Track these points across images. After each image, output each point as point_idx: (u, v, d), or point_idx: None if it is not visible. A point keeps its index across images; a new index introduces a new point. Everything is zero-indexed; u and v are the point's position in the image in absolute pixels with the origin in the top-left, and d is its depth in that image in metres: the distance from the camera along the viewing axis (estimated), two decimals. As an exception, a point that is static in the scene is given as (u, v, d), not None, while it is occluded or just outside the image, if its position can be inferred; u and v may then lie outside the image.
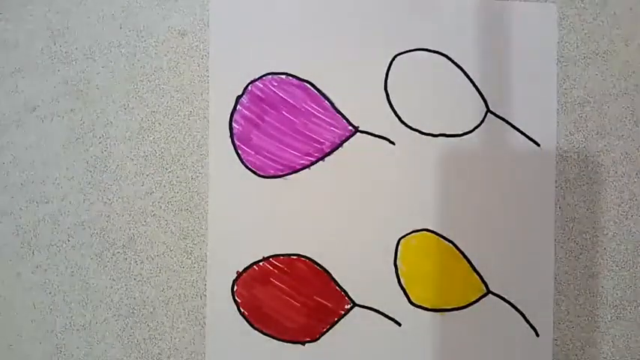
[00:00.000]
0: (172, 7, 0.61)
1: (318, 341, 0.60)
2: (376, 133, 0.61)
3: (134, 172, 0.61)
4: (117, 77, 0.61)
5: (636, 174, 0.62)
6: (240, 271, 0.60)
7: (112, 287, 0.61)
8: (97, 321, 0.61)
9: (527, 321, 0.61)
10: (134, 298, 0.61)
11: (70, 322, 0.61)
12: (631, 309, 0.62)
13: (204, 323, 0.60)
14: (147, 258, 0.61)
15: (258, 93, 0.60)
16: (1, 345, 0.61)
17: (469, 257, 0.61)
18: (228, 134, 0.60)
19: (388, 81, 0.61)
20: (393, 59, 0.61)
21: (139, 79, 0.61)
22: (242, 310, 0.60)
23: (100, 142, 0.61)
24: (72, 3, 0.61)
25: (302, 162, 0.60)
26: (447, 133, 0.61)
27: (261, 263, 0.60)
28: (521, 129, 0.61)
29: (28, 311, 0.61)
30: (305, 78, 0.61)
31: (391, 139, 0.61)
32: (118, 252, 0.61)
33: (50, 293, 0.61)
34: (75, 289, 0.61)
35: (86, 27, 0.61)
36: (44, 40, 0.61)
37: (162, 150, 0.61)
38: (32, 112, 0.61)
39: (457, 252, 0.61)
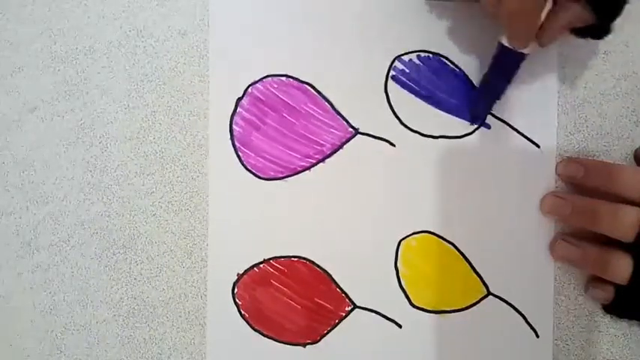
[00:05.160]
0: (172, 7, 0.61)
1: (319, 343, 0.61)
2: (376, 135, 0.61)
3: (134, 172, 0.61)
4: (117, 77, 0.61)
5: (636, 174, 0.62)
6: (241, 273, 0.60)
7: (112, 287, 0.61)
8: (97, 321, 0.61)
9: (528, 322, 0.61)
10: (134, 298, 0.61)
11: (70, 322, 0.61)
12: (631, 309, 0.62)
13: (205, 324, 0.60)
14: (147, 258, 0.61)
15: (259, 95, 0.60)
16: (1, 345, 0.61)
17: (469, 259, 0.61)
18: (229, 136, 0.60)
19: (388, 83, 0.61)
20: (394, 61, 0.61)
21: (139, 79, 0.61)
22: (243, 312, 0.60)
23: (100, 142, 0.61)
24: (72, 3, 0.61)
25: (302, 164, 0.60)
26: (448, 134, 0.61)
27: (261, 265, 0.60)
28: (521, 130, 0.61)
29: (28, 311, 0.61)
30: (305, 80, 0.61)
31: (391, 141, 0.61)
32: (118, 252, 0.61)
33: (50, 293, 0.61)
34: (75, 289, 0.61)
35: (86, 27, 0.61)
36: (44, 40, 0.61)
37: (163, 150, 0.61)
38: (32, 112, 0.61)
39: (457, 254, 0.61)
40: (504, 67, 0.57)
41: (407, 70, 0.61)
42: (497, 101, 0.60)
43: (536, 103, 0.61)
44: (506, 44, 0.55)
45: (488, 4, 0.53)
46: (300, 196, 0.61)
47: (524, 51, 0.55)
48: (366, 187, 0.61)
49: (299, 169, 0.60)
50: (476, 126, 0.61)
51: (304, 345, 0.61)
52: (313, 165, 0.60)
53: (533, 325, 0.61)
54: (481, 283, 0.61)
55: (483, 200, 0.61)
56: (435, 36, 0.61)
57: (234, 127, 0.60)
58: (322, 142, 0.60)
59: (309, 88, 0.61)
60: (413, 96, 0.61)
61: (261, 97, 0.60)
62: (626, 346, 0.62)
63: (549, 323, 0.61)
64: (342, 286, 0.61)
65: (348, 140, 0.61)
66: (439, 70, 0.61)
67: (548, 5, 0.52)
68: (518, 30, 0.54)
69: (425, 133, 0.61)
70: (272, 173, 0.60)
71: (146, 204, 0.61)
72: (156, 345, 0.61)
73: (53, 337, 0.61)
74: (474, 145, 0.61)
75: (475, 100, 0.61)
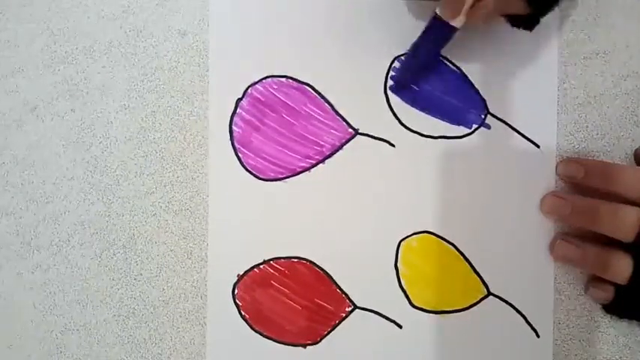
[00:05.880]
0: (172, 7, 0.61)
1: (319, 344, 0.61)
2: (376, 136, 0.61)
3: (134, 172, 0.61)
4: (117, 77, 0.61)
5: (636, 175, 0.62)
6: (241, 274, 0.61)
7: (112, 287, 0.61)
8: (97, 321, 0.61)
9: (528, 322, 0.61)
10: (134, 298, 0.61)
11: (70, 322, 0.61)
12: (631, 309, 0.62)
13: (205, 324, 0.60)
14: (147, 258, 0.61)
15: (258, 96, 0.60)
16: (1, 345, 0.61)
17: (470, 259, 0.61)
18: (228, 137, 0.60)
19: (388, 83, 0.61)
20: (393, 61, 0.61)
21: (139, 79, 0.61)
22: (243, 313, 0.60)
23: (100, 142, 0.61)
24: (72, 3, 0.61)
25: (302, 165, 0.60)
26: (447, 135, 0.61)
27: (261, 266, 0.60)
28: (521, 130, 0.61)
29: (28, 311, 0.61)
30: (305, 81, 0.60)
31: (391, 142, 0.61)
32: (118, 252, 0.61)
33: (50, 293, 0.61)
34: (75, 289, 0.61)
35: (86, 27, 0.61)
36: (44, 40, 0.61)
37: (163, 150, 0.61)
38: (32, 112, 0.61)
39: (458, 254, 0.61)
40: (434, 38, 0.58)
41: (407, 71, 0.61)
42: (424, 73, 0.61)
43: (536, 103, 0.61)
44: (439, 14, 0.55)
45: None
46: (300, 196, 0.60)
47: (453, 24, 0.55)
48: (366, 188, 0.61)
49: (299, 169, 0.60)
50: (476, 126, 0.61)
51: (304, 346, 0.61)
52: (313, 166, 0.60)
53: (533, 325, 0.61)
54: (481, 283, 0.61)
55: (483, 200, 0.61)
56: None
57: (233, 127, 0.60)
58: (322, 142, 0.60)
59: (308, 88, 0.61)
60: (412, 96, 0.61)
61: (261, 97, 0.60)
62: (626, 346, 0.62)
63: (549, 323, 0.61)
64: (342, 286, 0.61)
65: (347, 141, 0.60)
66: (439, 70, 0.61)
67: None
68: (449, 3, 0.54)
69: (424, 133, 0.61)
70: (272, 174, 0.60)
71: (146, 204, 0.61)
72: (156, 345, 0.61)
73: (53, 337, 0.61)
74: (473, 145, 0.61)
75: (401, 67, 0.61)
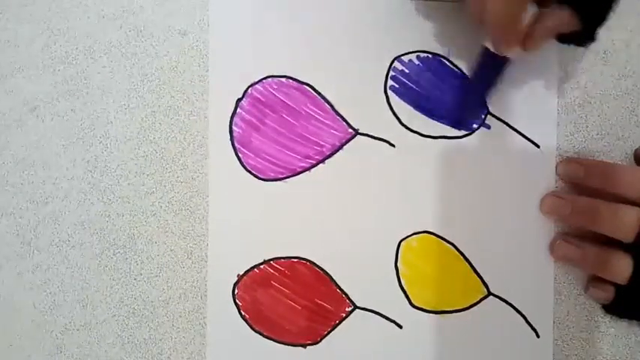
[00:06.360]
0: (172, 7, 0.61)
1: (320, 344, 0.61)
2: (376, 136, 0.61)
3: (134, 172, 0.61)
4: (117, 77, 0.61)
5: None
6: (241, 274, 0.60)
7: (112, 287, 0.61)
8: (97, 321, 0.61)
9: (528, 322, 0.61)
10: (134, 298, 0.61)
11: (70, 322, 0.61)
12: (631, 309, 0.62)
13: (205, 324, 0.60)
14: (147, 258, 0.61)
15: (258, 96, 0.60)
16: (1, 345, 0.61)
17: (470, 259, 0.61)
18: (229, 137, 0.60)
19: (388, 83, 0.61)
20: (393, 61, 0.61)
21: (139, 79, 0.61)
22: (243, 313, 0.60)
23: (100, 142, 0.61)
24: (72, 3, 0.61)
25: (302, 165, 0.60)
26: (447, 135, 0.61)
27: (261, 266, 0.60)
28: (521, 130, 0.61)
29: (28, 311, 0.61)
30: (305, 81, 0.60)
31: (391, 142, 0.61)
32: (118, 252, 0.61)
33: (50, 293, 0.61)
34: (75, 289, 0.61)
35: (86, 27, 0.61)
36: (44, 40, 0.61)
37: (163, 150, 0.61)
38: (32, 112, 0.61)
39: (458, 254, 0.61)
40: (489, 71, 0.58)
41: (406, 71, 0.61)
42: (485, 103, 0.60)
43: (536, 103, 0.61)
44: (491, 48, 0.55)
45: (473, 10, 0.53)
46: (300, 196, 0.60)
47: (509, 55, 0.55)
48: (366, 188, 0.61)
49: (299, 169, 0.60)
50: (476, 126, 0.61)
51: (304, 346, 0.61)
52: (313, 166, 0.60)
53: (533, 325, 0.61)
54: (481, 284, 0.61)
55: (483, 200, 0.61)
56: (435, 36, 0.61)
57: (233, 127, 0.60)
58: (322, 142, 0.60)
59: (308, 88, 0.61)
60: (412, 97, 0.61)
61: (261, 97, 0.60)
62: (626, 346, 0.62)
63: (549, 323, 0.61)
64: (342, 286, 0.61)
65: (347, 141, 0.60)
66: (439, 70, 0.61)
67: (532, 11, 0.52)
68: (502, 35, 0.54)
69: (425, 133, 0.61)
70: (272, 174, 0.60)
71: (146, 204, 0.61)
72: (156, 345, 0.61)
73: (53, 337, 0.61)
74: (474, 145, 0.61)
75: (460, 103, 0.61)
